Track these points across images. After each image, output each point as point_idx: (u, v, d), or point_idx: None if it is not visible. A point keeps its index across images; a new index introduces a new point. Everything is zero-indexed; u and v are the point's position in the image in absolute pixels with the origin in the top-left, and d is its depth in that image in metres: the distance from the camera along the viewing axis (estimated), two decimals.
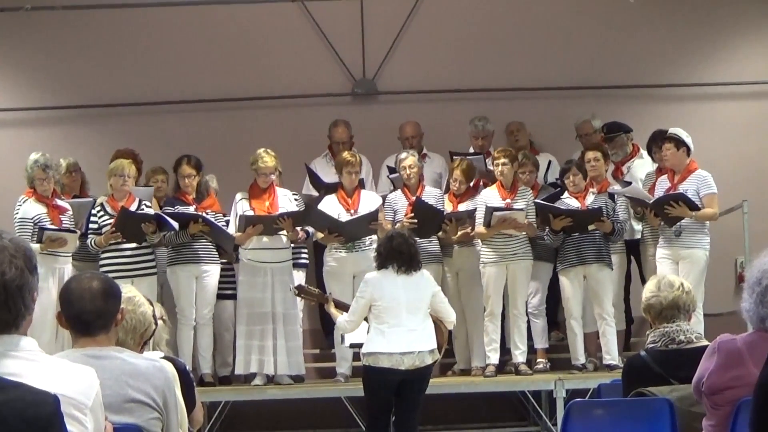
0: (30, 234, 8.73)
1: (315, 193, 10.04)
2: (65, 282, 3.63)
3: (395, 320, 7.41)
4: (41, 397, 2.62)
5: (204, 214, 9.19)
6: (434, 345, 7.48)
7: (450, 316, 7.68)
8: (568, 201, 9.34)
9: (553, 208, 9.23)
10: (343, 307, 7.83)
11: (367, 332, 7.63)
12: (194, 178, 9.35)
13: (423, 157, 10.46)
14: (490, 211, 9.19)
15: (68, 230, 8.88)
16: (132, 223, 8.96)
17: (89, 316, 3.56)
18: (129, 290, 4.46)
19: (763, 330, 3.91)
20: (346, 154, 9.51)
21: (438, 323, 7.67)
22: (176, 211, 9.19)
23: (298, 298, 9.45)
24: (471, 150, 10.41)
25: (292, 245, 9.42)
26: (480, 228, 9.31)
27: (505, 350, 9.54)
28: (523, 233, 9.31)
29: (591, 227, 9.21)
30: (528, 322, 9.51)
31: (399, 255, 7.45)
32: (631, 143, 10.13)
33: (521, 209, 9.27)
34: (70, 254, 8.94)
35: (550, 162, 10.48)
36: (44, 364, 2.83)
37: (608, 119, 10.36)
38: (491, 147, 10.40)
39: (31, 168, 8.94)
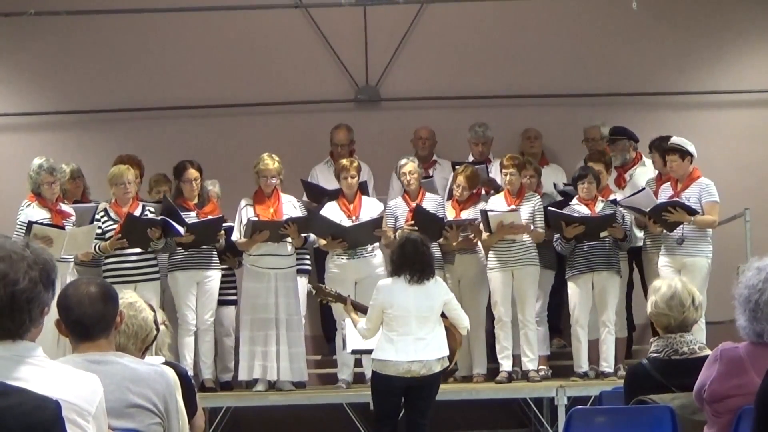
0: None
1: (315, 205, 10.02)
2: (62, 289, 3.61)
3: (404, 329, 7.42)
4: (43, 403, 2.61)
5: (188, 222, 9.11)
6: (444, 353, 7.49)
7: (463, 322, 7.67)
8: (578, 208, 9.34)
9: (565, 215, 9.22)
10: (362, 309, 7.81)
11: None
12: (199, 181, 9.37)
13: (433, 163, 10.52)
14: (485, 214, 9.21)
15: (57, 226, 8.69)
16: (138, 228, 8.94)
17: (90, 321, 3.55)
18: (130, 296, 4.46)
19: (763, 343, 3.91)
20: (342, 161, 9.53)
21: (451, 329, 7.68)
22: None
23: (304, 302, 9.50)
24: (470, 157, 10.43)
25: (296, 251, 9.43)
26: (484, 235, 9.32)
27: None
28: (528, 238, 9.31)
29: (603, 234, 9.21)
30: None
31: (411, 265, 7.44)
32: (633, 151, 10.15)
33: (515, 209, 9.26)
34: (72, 259, 8.91)
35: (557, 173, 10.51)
36: (48, 370, 2.83)
37: (611, 127, 10.38)
38: (491, 154, 10.45)
39: (36, 173, 8.83)
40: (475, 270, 9.55)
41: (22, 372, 2.75)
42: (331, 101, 11.42)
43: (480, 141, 10.44)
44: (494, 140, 10.54)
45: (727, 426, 4.04)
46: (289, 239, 9.21)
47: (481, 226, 9.34)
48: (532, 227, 9.33)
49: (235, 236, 9.31)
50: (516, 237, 9.28)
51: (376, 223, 9.23)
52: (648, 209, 9.05)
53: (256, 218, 9.17)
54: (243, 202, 9.35)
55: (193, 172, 9.33)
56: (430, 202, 9.56)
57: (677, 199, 8.99)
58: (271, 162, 9.26)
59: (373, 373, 7.60)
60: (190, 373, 7.92)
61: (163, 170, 9.94)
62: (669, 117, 11.25)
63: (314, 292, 8.31)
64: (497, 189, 9.87)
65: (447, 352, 7.52)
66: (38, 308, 2.78)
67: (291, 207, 9.35)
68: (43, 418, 2.59)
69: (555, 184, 10.24)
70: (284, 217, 9.17)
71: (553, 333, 10.10)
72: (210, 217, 9.28)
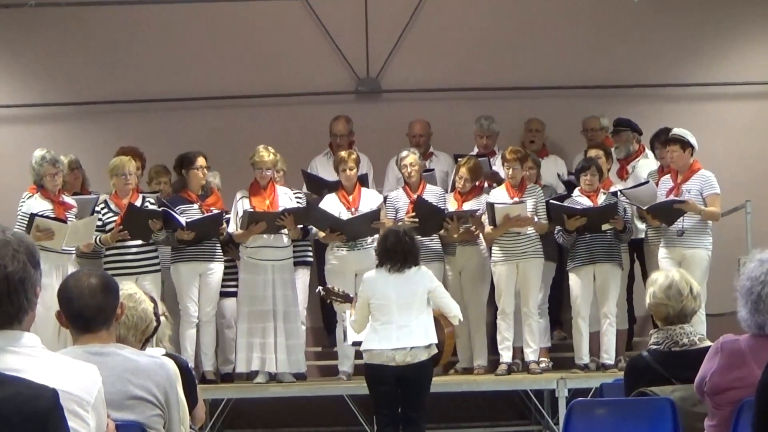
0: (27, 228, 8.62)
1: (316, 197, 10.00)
2: (63, 281, 3.62)
3: (386, 317, 7.51)
4: (39, 392, 2.61)
5: (187, 220, 9.08)
6: (431, 340, 7.52)
7: (451, 311, 7.70)
8: (580, 200, 9.34)
9: (567, 208, 9.21)
10: None
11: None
12: (206, 170, 9.36)
13: (429, 155, 10.48)
14: (490, 206, 9.20)
15: (58, 219, 8.67)
16: (139, 219, 8.93)
17: (90, 312, 3.56)
18: (129, 287, 4.46)
19: (764, 335, 3.91)
20: (341, 153, 9.52)
21: (439, 319, 7.69)
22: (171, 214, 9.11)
23: (301, 297, 9.50)
24: (475, 149, 10.42)
25: (293, 243, 9.41)
26: (487, 228, 9.31)
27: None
28: (532, 231, 9.31)
29: (605, 227, 9.20)
30: None
31: (393, 254, 7.54)
32: (636, 143, 10.15)
33: (522, 201, 9.26)
34: (74, 251, 8.91)
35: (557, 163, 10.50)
36: (46, 361, 2.82)
37: (613, 118, 10.37)
38: (496, 147, 10.43)
39: (39, 164, 8.78)
40: (477, 262, 9.55)
41: (19, 363, 2.75)
42: (332, 93, 11.40)
43: (485, 134, 10.42)
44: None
45: (727, 418, 4.04)
46: (285, 231, 9.20)
47: (485, 218, 9.33)
48: (536, 219, 9.33)
49: (231, 228, 9.30)
50: (521, 230, 9.28)
51: (374, 215, 9.23)
52: (647, 206, 9.05)
53: (252, 209, 9.15)
54: (238, 195, 9.33)
55: (202, 160, 9.32)
56: (431, 193, 9.56)
57: (678, 198, 8.98)
58: (266, 154, 9.25)
59: (364, 365, 7.70)
60: (191, 364, 7.92)
61: (162, 162, 9.93)
62: (670, 109, 11.25)
63: (322, 293, 8.33)
64: (500, 182, 9.86)
65: (435, 340, 7.55)
66: (32, 288, 2.79)
67: (287, 199, 9.34)
68: (40, 407, 2.58)
69: (559, 174, 10.24)
70: (280, 209, 9.16)
71: (554, 325, 10.11)
72: (213, 210, 9.27)
